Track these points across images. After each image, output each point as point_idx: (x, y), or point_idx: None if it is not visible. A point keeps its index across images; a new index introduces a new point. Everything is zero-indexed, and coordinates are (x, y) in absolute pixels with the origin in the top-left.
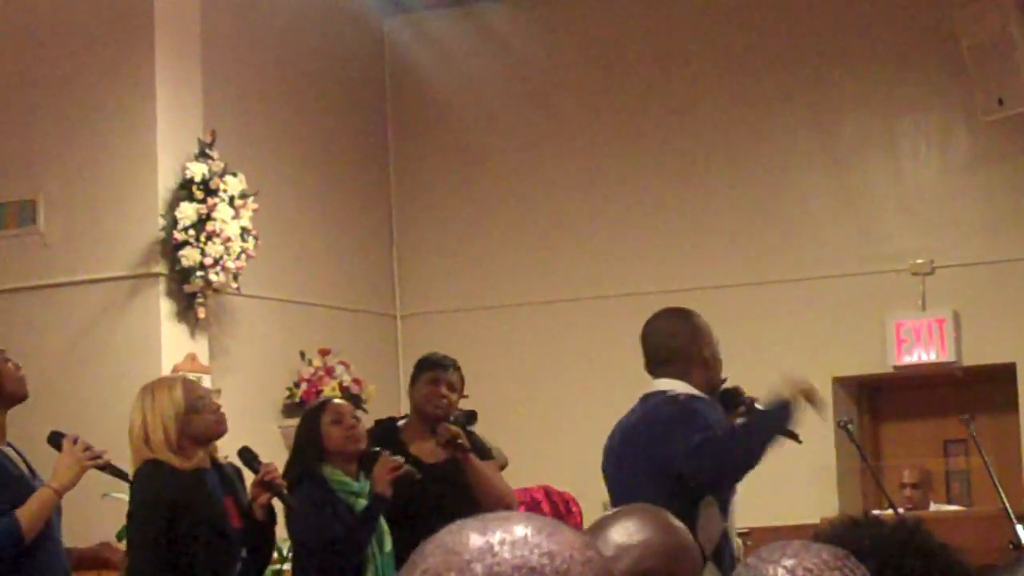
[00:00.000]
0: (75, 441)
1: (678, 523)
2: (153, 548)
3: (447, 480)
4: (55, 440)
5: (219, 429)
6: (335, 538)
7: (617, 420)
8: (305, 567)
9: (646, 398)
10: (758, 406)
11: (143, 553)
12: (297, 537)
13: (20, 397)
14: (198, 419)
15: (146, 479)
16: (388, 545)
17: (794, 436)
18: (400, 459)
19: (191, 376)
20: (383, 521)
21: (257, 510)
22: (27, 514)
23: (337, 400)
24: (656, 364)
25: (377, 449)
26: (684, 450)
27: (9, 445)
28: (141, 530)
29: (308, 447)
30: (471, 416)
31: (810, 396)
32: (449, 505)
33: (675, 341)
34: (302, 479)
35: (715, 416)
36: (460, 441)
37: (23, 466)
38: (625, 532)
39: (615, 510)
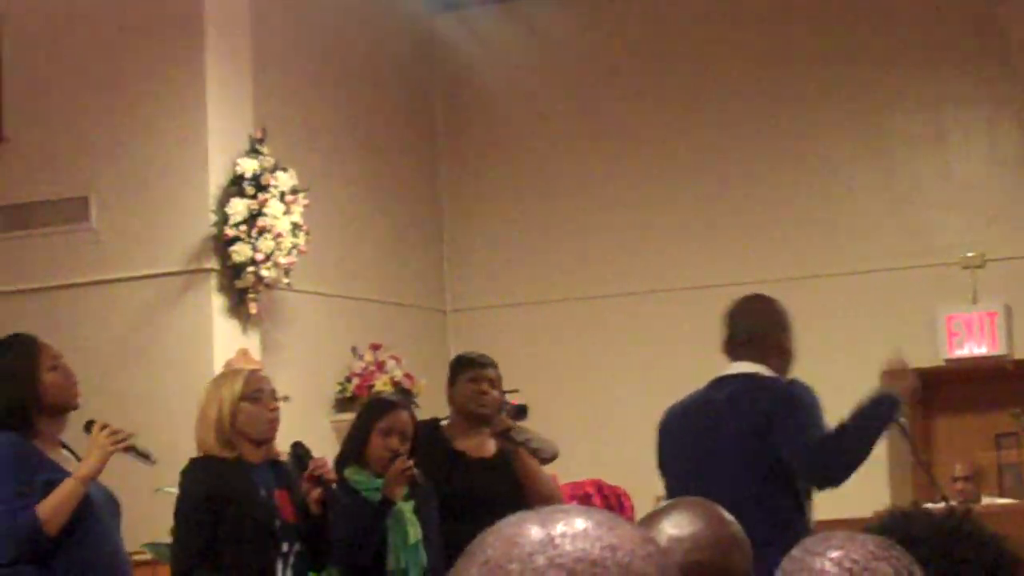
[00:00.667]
0: (104, 428)
1: (728, 515)
2: (195, 540)
3: (496, 473)
4: (88, 429)
5: (267, 429)
6: (341, 537)
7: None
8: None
9: (724, 380)
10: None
11: (185, 544)
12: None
13: (64, 407)
14: (250, 409)
15: (191, 472)
16: (412, 538)
17: (901, 427)
18: (410, 463)
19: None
20: (409, 514)
21: (311, 504)
22: (47, 506)
23: (402, 412)
24: (737, 345)
25: (394, 453)
26: (799, 447)
27: (64, 447)
28: (184, 522)
29: (349, 444)
30: (521, 411)
31: (905, 383)
32: (499, 498)
33: (761, 325)
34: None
35: (817, 402)
36: (512, 434)
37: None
38: (676, 525)
39: (666, 503)
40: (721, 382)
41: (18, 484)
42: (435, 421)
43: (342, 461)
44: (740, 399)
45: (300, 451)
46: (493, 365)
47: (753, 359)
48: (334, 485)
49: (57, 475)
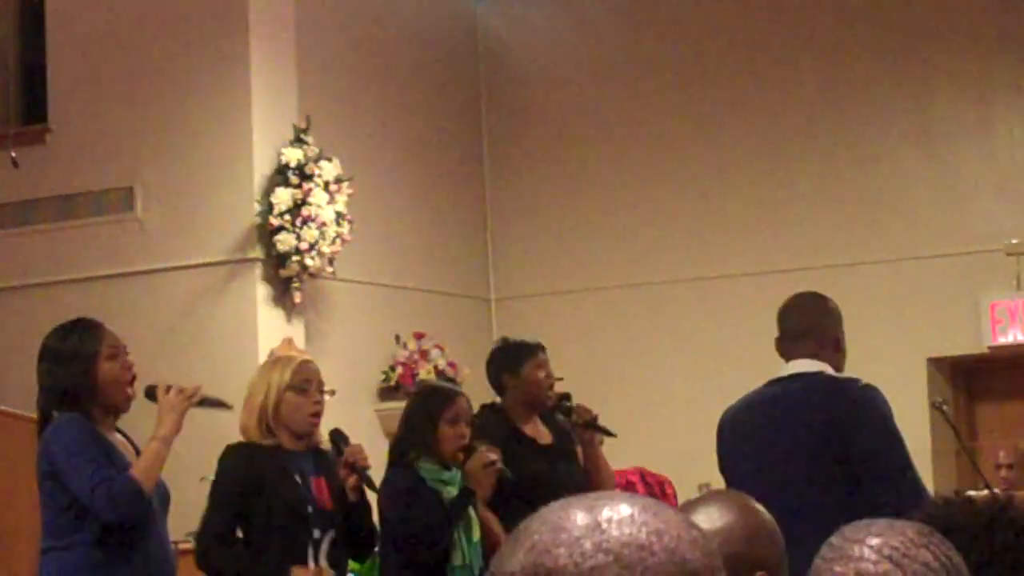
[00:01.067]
0: (168, 389)
1: (761, 507)
2: (217, 522)
3: (561, 459)
4: (150, 393)
5: (309, 423)
6: (417, 529)
7: (728, 399)
8: (388, 553)
9: (788, 378)
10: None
11: (207, 524)
12: (382, 523)
13: (113, 401)
14: (294, 400)
15: (223, 463)
16: (476, 534)
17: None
18: (495, 456)
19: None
20: (470, 511)
21: (349, 492)
22: (140, 469)
23: (462, 398)
24: (793, 340)
25: (474, 444)
26: (891, 480)
27: (118, 431)
28: (212, 505)
29: (414, 436)
30: (565, 398)
31: None
32: (566, 483)
33: (818, 321)
34: (394, 464)
35: (891, 412)
36: (600, 423)
37: (132, 454)
38: (708, 517)
39: (699, 495)
40: (785, 380)
41: (101, 455)
42: (499, 406)
43: (403, 450)
44: (811, 398)
45: (337, 438)
46: (545, 348)
47: (810, 355)
48: (368, 471)
49: (118, 457)
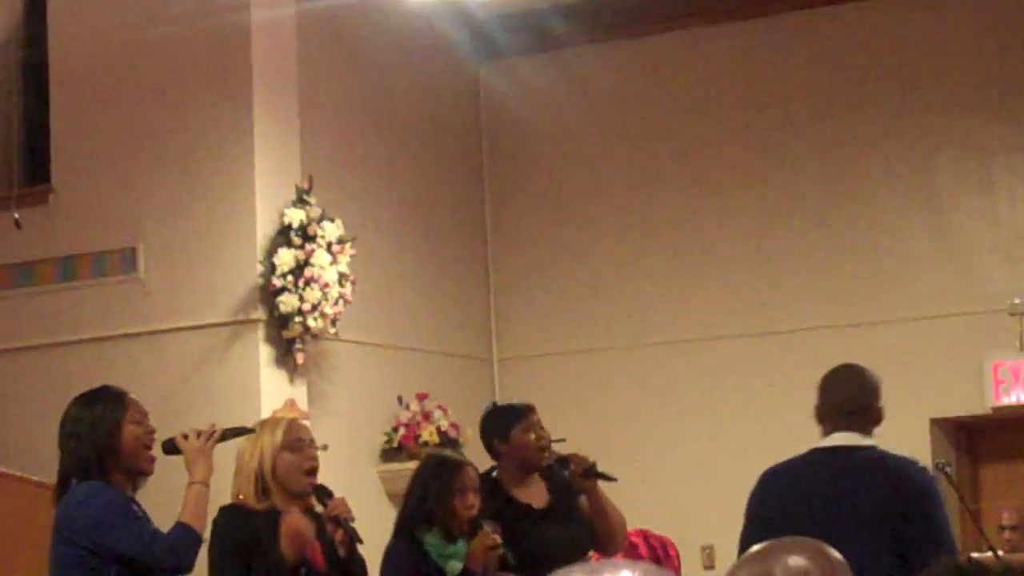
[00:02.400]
0: (186, 436)
1: (838, 555)
2: None
3: (559, 523)
4: (169, 447)
5: (306, 481)
6: None
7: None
8: None
9: (840, 450)
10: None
11: None
12: None
13: (135, 465)
14: (289, 459)
15: (223, 523)
16: None
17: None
18: (498, 538)
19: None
20: None
21: (339, 547)
22: (188, 515)
23: (469, 468)
24: (844, 415)
25: (480, 523)
26: (936, 558)
27: (133, 500)
28: (216, 566)
29: (421, 507)
30: (561, 461)
31: None
32: (565, 548)
33: (865, 396)
34: (398, 534)
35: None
36: (598, 469)
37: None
38: (785, 569)
39: (769, 543)
40: (839, 451)
41: (139, 514)
42: (489, 474)
43: (409, 522)
44: (874, 474)
45: (321, 493)
46: (534, 409)
47: (857, 430)
48: (352, 524)
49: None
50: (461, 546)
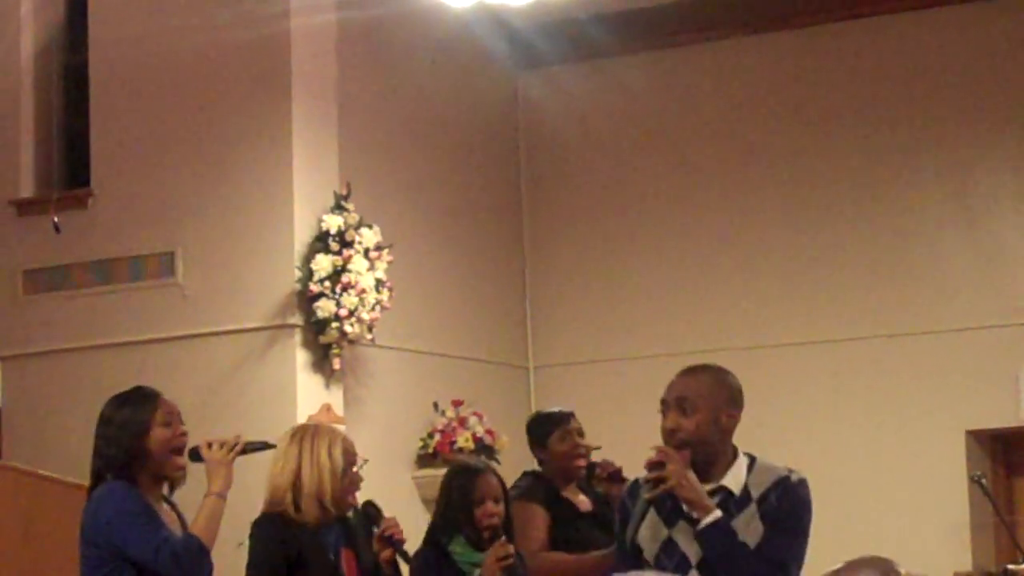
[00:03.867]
0: (210, 445)
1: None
2: None
3: (600, 527)
4: (194, 455)
5: (353, 497)
6: None
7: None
8: None
9: None
10: None
11: None
12: None
13: (162, 466)
14: (344, 484)
15: (265, 534)
16: None
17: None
18: (511, 548)
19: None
20: None
21: (383, 565)
22: (200, 526)
23: (489, 475)
24: None
25: (498, 527)
26: None
27: (167, 501)
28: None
29: (448, 516)
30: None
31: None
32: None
33: None
34: (426, 543)
35: None
36: (623, 474)
37: (178, 526)
38: None
39: (843, 563)
40: None
41: (154, 519)
42: (541, 473)
43: (437, 531)
44: None
45: (371, 510)
46: (573, 415)
47: None
48: (404, 544)
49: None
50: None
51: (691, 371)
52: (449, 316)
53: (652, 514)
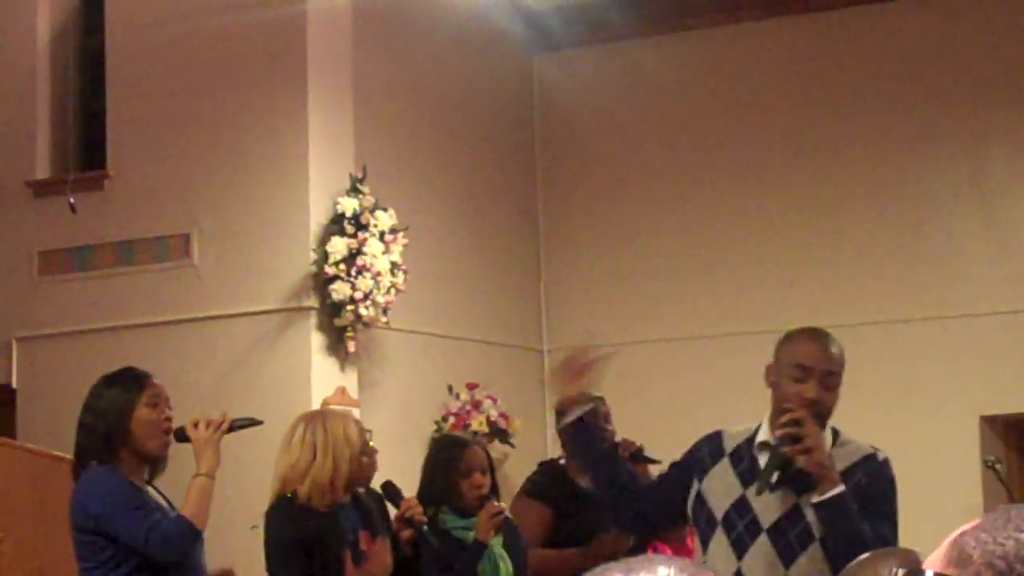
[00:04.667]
0: (196, 424)
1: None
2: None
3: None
4: (180, 434)
5: (371, 475)
6: None
7: None
8: None
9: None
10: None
11: None
12: None
13: (145, 449)
14: (363, 463)
15: (281, 518)
16: (504, 573)
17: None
18: (502, 505)
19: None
20: (499, 550)
21: (403, 546)
22: (190, 507)
23: (475, 447)
24: None
25: (487, 495)
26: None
27: (150, 485)
28: (284, 567)
29: (433, 488)
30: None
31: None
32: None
33: None
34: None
35: None
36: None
37: (166, 504)
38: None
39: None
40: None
41: (141, 502)
42: (557, 462)
43: (427, 503)
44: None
45: (391, 491)
46: (603, 400)
47: None
48: (425, 527)
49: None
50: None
51: (831, 341)
52: (464, 299)
53: (727, 468)
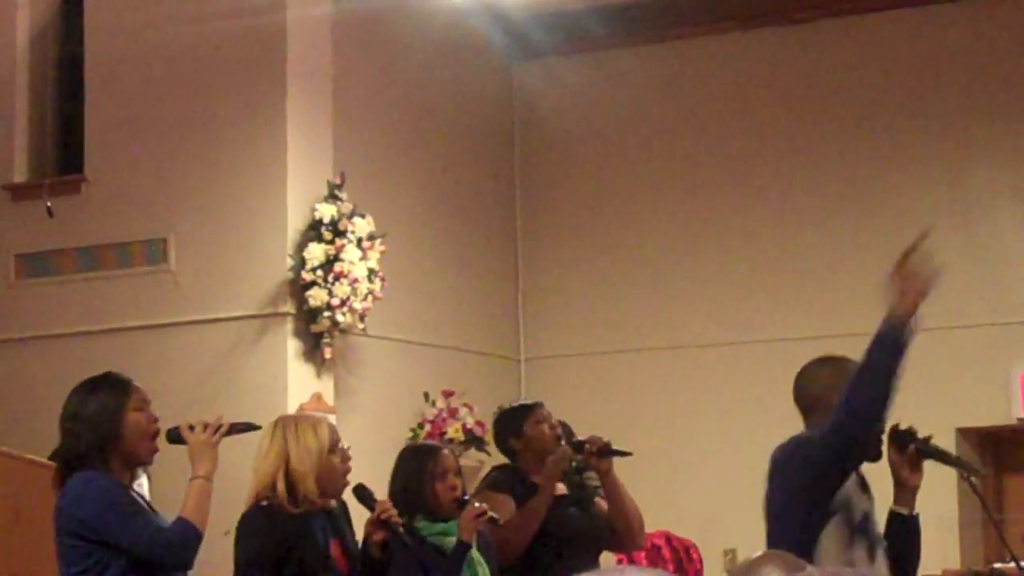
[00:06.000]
0: (192, 427)
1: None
2: None
3: (580, 510)
4: (174, 436)
5: (343, 483)
6: None
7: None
8: None
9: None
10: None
11: None
12: None
13: (135, 454)
14: (333, 463)
15: (254, 526)
16: None
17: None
18: (485, 506)
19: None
20: (477, 556)
21: (373, 548)
22: (190, 510)
23: (446, 451)
24: (801, 411)
25: (466, 497)
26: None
27: (136, 493)
28: (250, 570)
29: (406, 496)
30: (568, 432)
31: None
32: (588, 534)
33: (816, 388)
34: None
35: None
36: (614, 446)
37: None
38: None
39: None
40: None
41: (139, 507)
42: (516, 468)
43: (400, 513)
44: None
45: (363, 494)
46: (543, 404)
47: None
48: (401, 528)
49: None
50: (452, 524)
51: None
52: (441, 307)
53: (858, 478)
